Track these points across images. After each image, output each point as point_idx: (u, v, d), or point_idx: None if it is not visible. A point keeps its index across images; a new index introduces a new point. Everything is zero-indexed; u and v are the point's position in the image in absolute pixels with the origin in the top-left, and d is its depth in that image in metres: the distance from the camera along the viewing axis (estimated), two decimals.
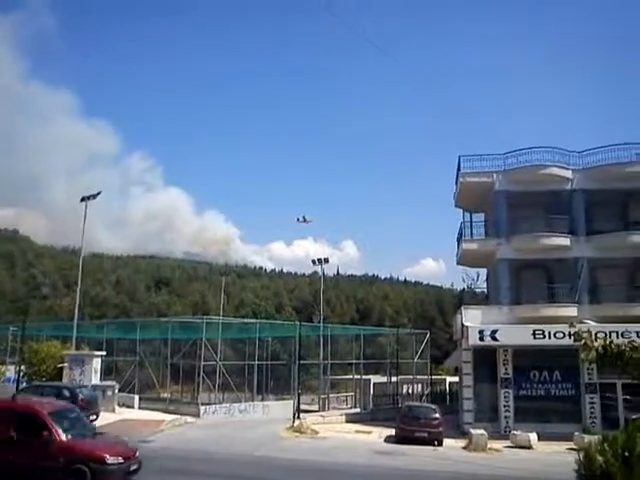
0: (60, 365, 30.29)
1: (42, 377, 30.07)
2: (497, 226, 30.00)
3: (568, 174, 29.50)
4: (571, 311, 26.91)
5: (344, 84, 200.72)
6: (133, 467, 12.08)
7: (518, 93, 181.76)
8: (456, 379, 36.91)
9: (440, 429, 23.15)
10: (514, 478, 16.54)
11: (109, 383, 29.66)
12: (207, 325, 31.90)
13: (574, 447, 19.96)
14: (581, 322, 22.17)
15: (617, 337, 12.83)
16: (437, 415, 23.63)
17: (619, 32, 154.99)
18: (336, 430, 26.60)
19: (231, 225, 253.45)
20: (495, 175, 30.16)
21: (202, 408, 28.60)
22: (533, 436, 22.70)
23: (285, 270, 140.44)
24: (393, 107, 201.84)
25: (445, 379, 45.54)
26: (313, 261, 49.89)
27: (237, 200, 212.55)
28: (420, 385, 40.02)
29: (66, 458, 11.29)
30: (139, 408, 29.55)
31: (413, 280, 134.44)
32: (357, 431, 26.86)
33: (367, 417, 32.04)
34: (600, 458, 8.93)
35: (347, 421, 30.68)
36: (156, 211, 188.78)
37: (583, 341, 10.41)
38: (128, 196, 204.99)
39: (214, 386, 32.34)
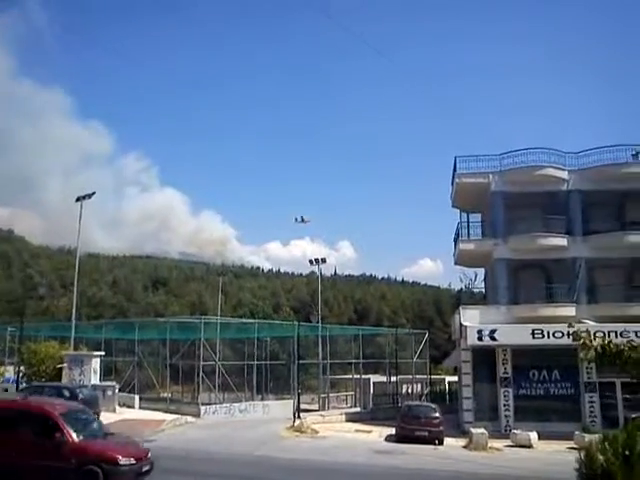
0: (59, 365, 30.34)
1: (41, 377, 30.11)
2: (494, 226, 30.15)
3: (564, 175, 29.68)
4: (569, 311, 27.09)
5: (341, 85, 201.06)
6: (145, 468, 12.04)
7: (517, 93, 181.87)
8: (455, 378, 37.10)
9: (440, 428, 23.24)
10: (515, 477, 16.60)
11: (109, 383, 29.74)
12: (205, 325, 31.93)
13: (574, 446, 20.11)
14: (579, 322, 22.31)
15: (616, 337, 12.99)
16: (437, 414, 23.72)
17: (619, 30, 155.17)
18: (336, 429, 26.69)
19: (227, 225, 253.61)
20: (491, 176, 30.31)
21: (202, 408, 28.69)
22: (533, 435, 22.80)
23: (282, 270, 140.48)
24: (390, 108, 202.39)
25: (444, 379, 45.76)
26: (310, 261, 50.02)
27: (233, 200, 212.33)
28: (419, 385, 40.19)
29: (78, 459, 11.24)
30: (140, 408, 29.66)
31: (411, 280, 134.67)
32: (357, 430, 26.96)
33: (367, 416, 32.16)
34: (601, 457, 8.99)
35: (347, 420, 30.81)
36: (152, 211, 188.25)
37: (582, 340, 10.49)
38: (124, 196, 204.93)
39: (214, 386, 32.41)
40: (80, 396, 22.14)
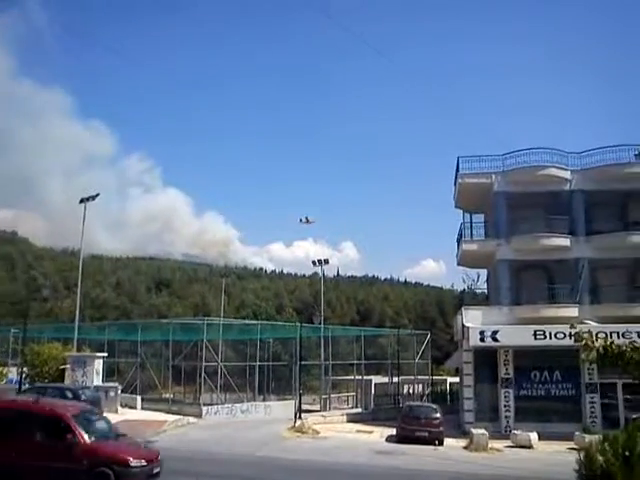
0: (62, 367, 30.43)
1: (44, 379, 30.18)
2: (497, 227, 30.13)
3: (567, 175, 29.64)
4: (572, 311, 27.02)
5: (341, 85, 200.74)
6: (156, 470, 12.01)
7: (518, 93, 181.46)
8: (457, 379, 37.02)
9: (441, 429, 23.24)
10: (515, 478, 16.59)
11: (112, 384, 29.81)
12: (208, 326, 32.03)
13: (575, 447, 20.03)
14: (582, 322, 22.23)
15: (618, 337, 13.01)
16: (438, 415, 23.71)
17: (620, 30, 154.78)
18: (337, 430, 26.72)
19: (230, 227, 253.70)
20: (494, 176, 30.31)
21: (204, 409, 28.76)
22: (534, 436, 22.78)
23: (285, 271, 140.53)
24: (390, 108, 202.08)
25: (446, 379, 45.67)
26: (313, 262, 50.01)
27: (236, 201, 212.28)
28: (421, 385, 40.17)
29: (90, 461, 11.18)
30: (142, 409, 29.72)
31: (413, 281, 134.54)
32: (358, 431, 26.97)
33: (368, 417, 32.18)
34: (601, 458, 8.96)
35: (348, 421, 30.83)
36: (155, 212, 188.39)
37: (584, 341, 10.47)
38: (127, 197, 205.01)
39: (216, 387, 32.45)
40: (83, 397, 22.21)
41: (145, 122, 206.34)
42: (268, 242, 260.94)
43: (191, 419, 27.25)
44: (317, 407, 36.17)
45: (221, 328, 33.79)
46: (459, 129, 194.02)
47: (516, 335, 26.06)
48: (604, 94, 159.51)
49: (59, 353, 31.64)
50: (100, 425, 12.82)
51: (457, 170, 31.54)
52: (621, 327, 22.68)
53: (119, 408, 27.82)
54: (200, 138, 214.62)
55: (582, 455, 9.35)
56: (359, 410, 35.55)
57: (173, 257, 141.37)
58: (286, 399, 34.74)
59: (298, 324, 34.37)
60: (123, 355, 39.02)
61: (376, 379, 40.50)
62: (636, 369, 10.18)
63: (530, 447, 22.37)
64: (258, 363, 35.26)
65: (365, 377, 38.81)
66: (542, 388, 26.65)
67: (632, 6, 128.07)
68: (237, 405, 30.99)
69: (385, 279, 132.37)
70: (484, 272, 38.18)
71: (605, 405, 25.70)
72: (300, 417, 27.19)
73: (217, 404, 30.60)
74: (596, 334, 10.88)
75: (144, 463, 11.61)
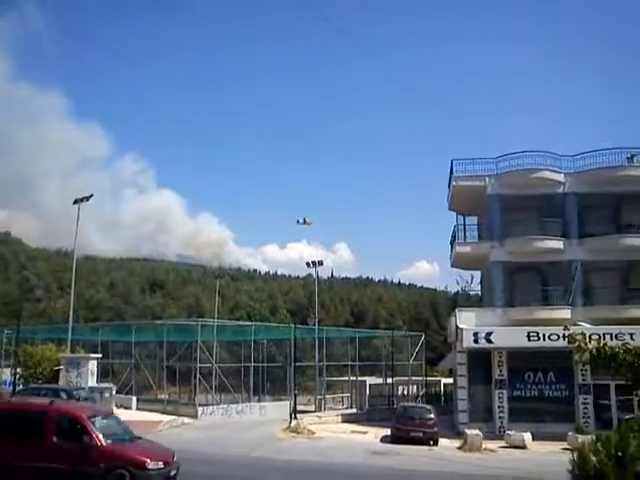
0: (56, 368, 30.34)
1: (38, 380, 30.11)
2: (490, 229, 30.30)
3: (560, 178, 29.84)
4: (565, 313, 27.22)
5: (338, 86, 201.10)
6: (172, 472, 11.86)
7: (517, 93, 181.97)
8: (451, 380, 37.12)
9: (435, 429, 23.37)
10: (509, 478, 16.70)
11: (106, 385, 29.73)
12: (202, 328, 32.01)
13: (568, 447, 20.16)
14: (575, 324, 22.39)
15: (611, 339, 13.16)
16: (432, 415, 23.84)
17: (620, 31, 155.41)
18: (332, 430, 26.77)
19: (225, 228, 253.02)
20: (487, 179, 30.48)
21: (200, 409, 28.75)
22: (527, 436, 22.92)
23: (279, 273, 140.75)
24: (389, 108, 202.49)
25: (440, 380, 45.82)
26: (307, 264, 50.21)
27: (230, 203, 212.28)
28: (415, 386, 40.27)
29: (107, 463, 11.04)
30: (137, 409, 29.67)
31: (407, 283, 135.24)
32: (353, 431, 27.03)
33: (363, 417, 32.25)
34: (594, 458, 9.02)
35: (343, 421, 30.87)
36: (149, 213, 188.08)
37: (577, 343, 10.55)
38: (120, 198, 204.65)
39: (211, 387, 32.46)
40: (77, 398, 22.17)
41: (140, 123, 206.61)
42: (262, 244, 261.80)
43: (186, 420, 27.23)
44: (312, 408, 36.19)
45: (215, 329, 33.81)
46: (458, 129, 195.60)
47: (510, 337, 26.20)
48: (604, 95, 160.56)
49: (53, 354, 31.57)
50: (117, 427, 12.71)
51: (451, 173, 31.70)
52: (614, 329, 22.87)
53: (114, 409, 27.71)
54: (194, 139, 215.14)
55: (575, 455, 9.40)
56: (354, 411, 35.60)
57: (167, 258, 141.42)
58: (281, 400, 34.75)
59: (292, 325, 34.44)
60: (117, 356, 38.91)
61: (370, 380, 40.56)
62: (629, 371, 10.26)
63: (524, 447, 22.50)
64: (253, 364, 35.28)
65: (359, 378, 38.87)
66: (536, 389, 26.82)
67: (633, 6, 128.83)
68: (232, 406, 30.98)
69: (379, 280, 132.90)
70: (478, 274, 38.41)
71: (598, 406, 25.89)
72: (295, 417, 27.25)
73: (212, 405, 30.57)
74: (589, 336, 10.96)
75: (161, 465, 11.48)
